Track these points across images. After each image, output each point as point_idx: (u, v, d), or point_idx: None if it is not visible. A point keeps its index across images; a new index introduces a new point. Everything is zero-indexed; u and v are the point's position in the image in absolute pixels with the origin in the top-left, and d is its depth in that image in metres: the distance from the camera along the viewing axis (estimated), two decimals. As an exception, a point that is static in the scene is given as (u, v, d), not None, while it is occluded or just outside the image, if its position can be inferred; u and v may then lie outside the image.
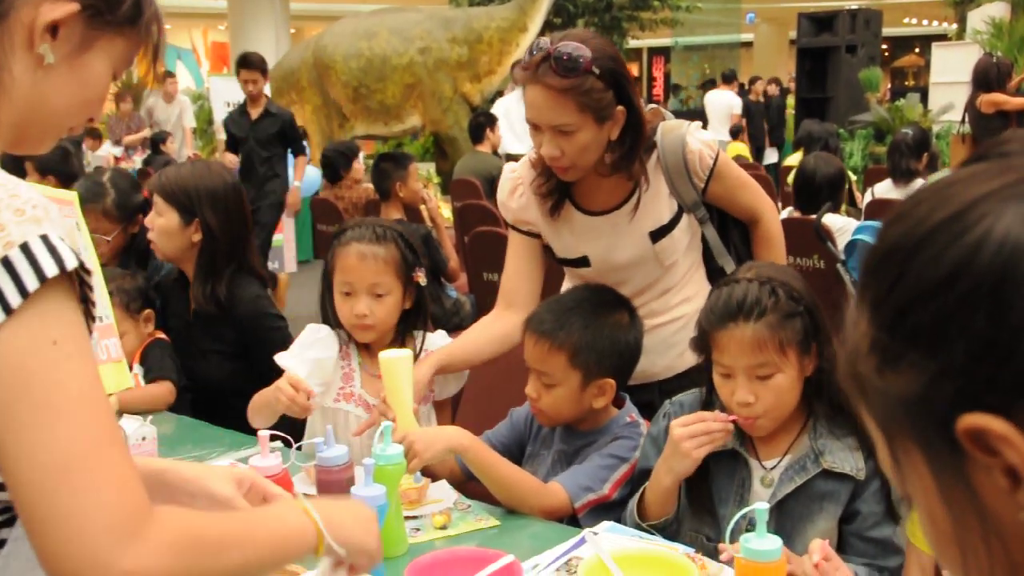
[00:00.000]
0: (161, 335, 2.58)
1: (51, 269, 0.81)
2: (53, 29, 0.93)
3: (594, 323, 1.86)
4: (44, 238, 0.82)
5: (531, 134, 1.91)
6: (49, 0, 0.92)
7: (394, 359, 1.87)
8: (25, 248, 0.81)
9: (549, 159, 1.90)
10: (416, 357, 2.07)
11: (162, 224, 2.47)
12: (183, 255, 2.50)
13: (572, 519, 1.81)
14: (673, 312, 2.07)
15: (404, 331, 2.16)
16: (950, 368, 0.52)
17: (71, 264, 0.82)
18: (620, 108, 1.87)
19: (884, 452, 0.59)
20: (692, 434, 1.61)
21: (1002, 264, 0.51)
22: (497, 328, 2.11)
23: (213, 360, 2.51)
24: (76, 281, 0.85)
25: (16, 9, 0.91)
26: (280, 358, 2.10)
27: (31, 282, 0.80)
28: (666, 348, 2.05)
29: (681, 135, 1.99)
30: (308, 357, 2.10)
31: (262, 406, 2.04)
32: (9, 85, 0.92)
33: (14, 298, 0.80)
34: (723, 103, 11.92)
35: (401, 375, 1.86)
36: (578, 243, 2.07)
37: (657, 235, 2.02)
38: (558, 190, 2.02)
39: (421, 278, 2.11)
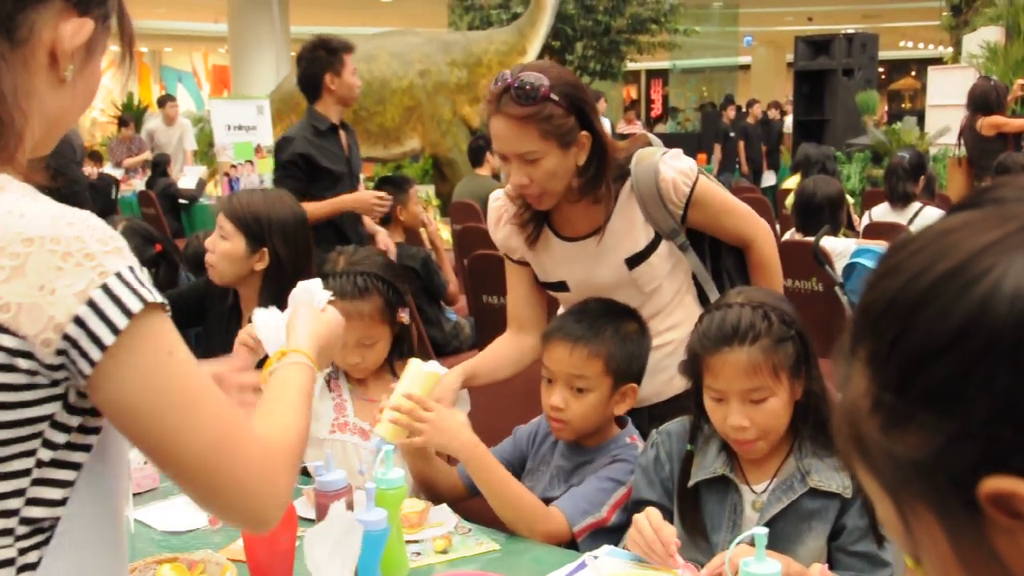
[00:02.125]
0: None
1: (149, 295, 0.90)
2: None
3: (621, 330, 1.91)
4: (132, 269, 0.90)
5: (501, 165, 1.96)
6: (63, 20, 0.94)
7: (425, 372, 1.90)
8: (120, 276, 0.88)
9: (518, 188, 1.93)
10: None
11: (227, 249, 2.45)
12: (242, 281, 2.49)
13: (571, 543, 1.81)
14: (662, 337, 2.07)
15: (391, 360, 2.19)
16: (969, 429, 0.50)
17: (158, 296, 0.92)
18: (584, 133, 1.90)
19: (891, 515, 0.57)
20: (641, 532, 1.59)
21: (1017, 319, 0.48)
22: (515, 346, 2.16)
23: None
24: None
25: (36, 33, 0.92)
26: None
27: (134, 304, 0.88)
28: (655, 373, 2.06)
29: (654, 163, 1.98)
30: None
31: None
32: (39, 108, 0.95)
33: (120, 320, 0.87)
34: None
35: (422, 386, 1.89)
36: (557, 268, 2.10)
37: (633, 261, 2.03)
38: (535, 219, 2.06)
39: (405, 319, 2.14)
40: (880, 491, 0.57)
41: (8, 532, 0.90)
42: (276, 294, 2.42)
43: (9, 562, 0.90)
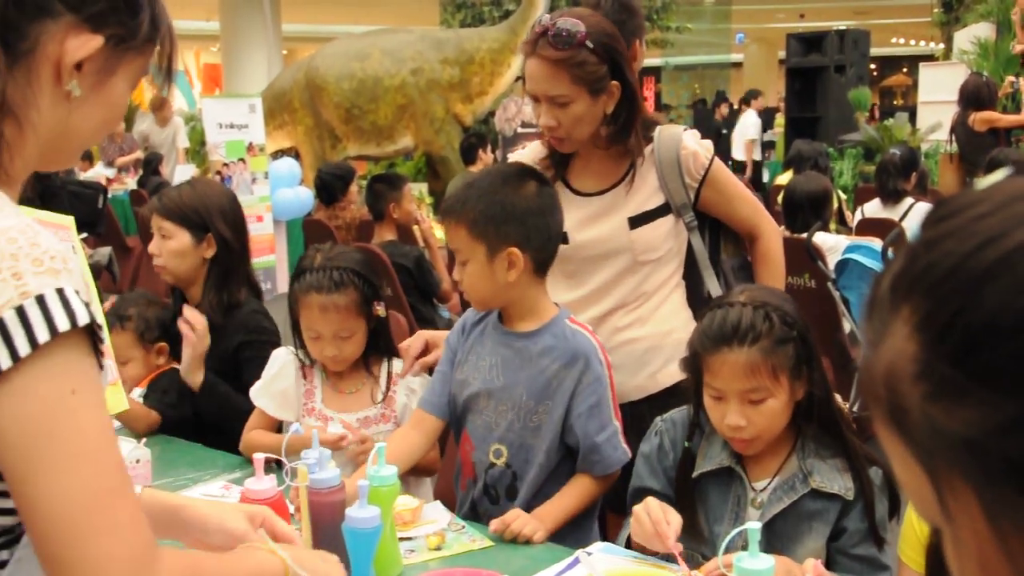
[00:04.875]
0: (176, 365, 2.53)
1: (63, 324, 0.84)
2: (78, 64, 0.93)
3: (488, 193, 1.87)
4: (60, 292, 0.84)
5: (532, 107, 2.03)
6: (73, 35, 0.92)
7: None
8: (40, 300, 0.83)
9: (546, 129, 2.00)
10: (389, 387, 2.19)
11: (174, 247, 2.47)
12: (194, 274, 2.51)
13: (566, 540, 1.82)
14: (646, 328, 2.08)
15: (368, 356, 2.20)
16: None
17: (83, 321, 0.85)
18: (615, 83, 1.96)
19: (918, 482, 0.54)
20: (649, 512, 1.57)
21: None
22: None
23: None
24: (89, 334, 0.87)
25: (41, 46, 0.92)
26: (252, 393, 2.20)
27: (42, 335, 0.83)
28: (638, 367, 2.06)
29: (678, 133, 2.08)
30: (275, 390, 2.19)
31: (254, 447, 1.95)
32: (36, 120, 0.93)
33: (23, 347, 0.82)
34: None
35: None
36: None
37: (636, 221, 2.06)
38: (554, 168, 2.11)
39: (380, 311, 2.16)
40: (909, 457, 0.53)
41: None
42: (224, 276, 2.49)
43: None
